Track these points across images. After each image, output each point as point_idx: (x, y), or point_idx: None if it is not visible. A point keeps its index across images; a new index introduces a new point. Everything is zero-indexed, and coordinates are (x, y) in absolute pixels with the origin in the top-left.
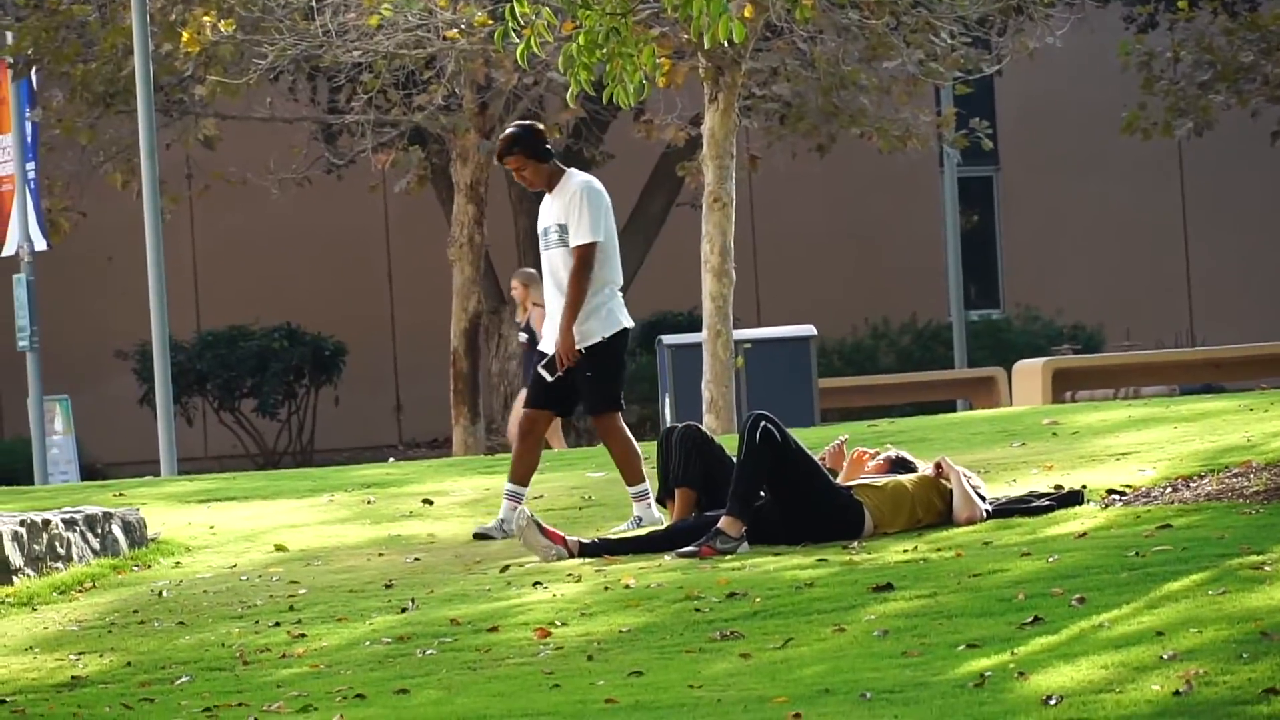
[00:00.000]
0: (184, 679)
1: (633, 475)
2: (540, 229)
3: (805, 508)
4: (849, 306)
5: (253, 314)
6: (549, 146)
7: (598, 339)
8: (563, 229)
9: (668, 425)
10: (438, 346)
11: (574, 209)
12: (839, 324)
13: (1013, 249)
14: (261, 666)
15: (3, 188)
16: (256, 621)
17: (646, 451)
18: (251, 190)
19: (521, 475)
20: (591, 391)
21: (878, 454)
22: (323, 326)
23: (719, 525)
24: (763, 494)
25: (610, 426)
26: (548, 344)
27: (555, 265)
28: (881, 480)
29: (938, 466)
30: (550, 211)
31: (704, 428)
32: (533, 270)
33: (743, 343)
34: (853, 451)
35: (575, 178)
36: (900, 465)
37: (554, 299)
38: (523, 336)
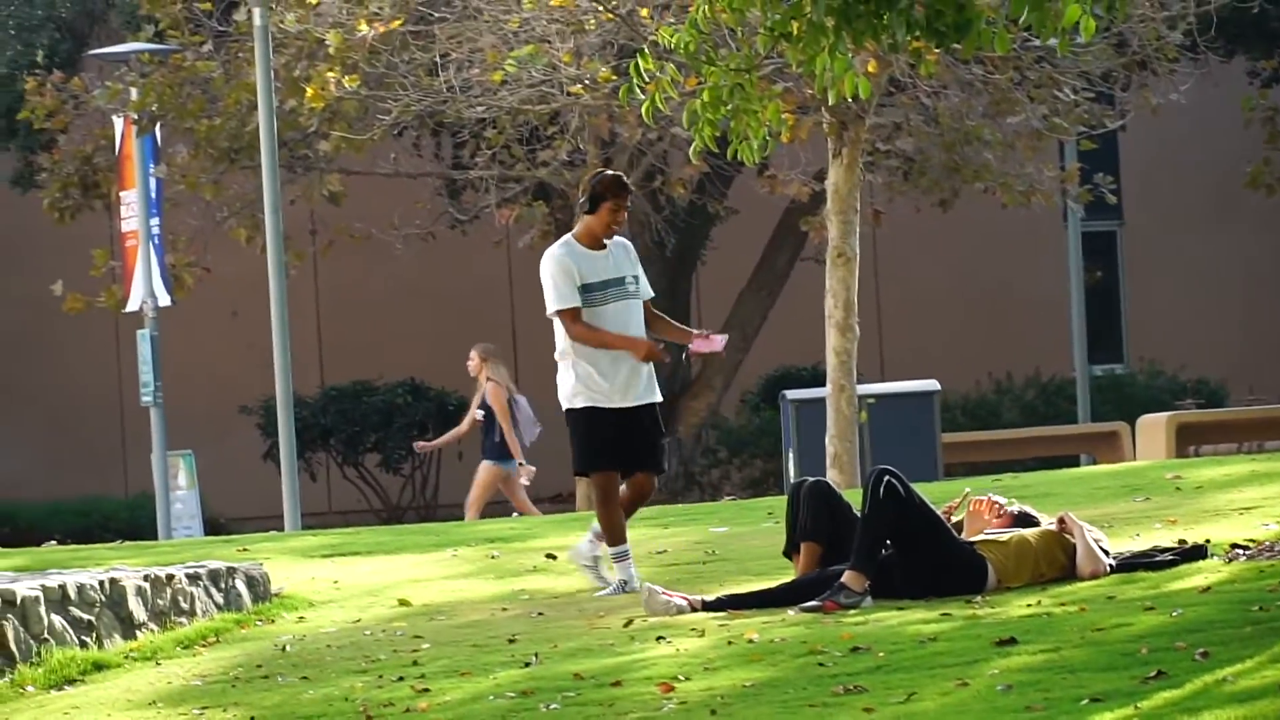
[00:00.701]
0: None
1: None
2: (609, 278)
3: (929, 562)
4: (972, 361)
5: (376, 369)
6: None
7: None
8: (637, 279)
9: (795, 480)
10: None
11: (637, 262)
12: (962, 378)
13: (1136, 303)
14: None
15: (127, 243)
16: (380, 676)
17: (771, 505)
18: (375, 245)
19: (614, 537)
20: (661, 447)
21: (997, 504)
22: (446, 382)
23: (842, 580)
24: (886, 548)
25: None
26: (628, 394)
27: (632, 314)
28: (1005, 535)
29: (1060, 521)
30: (614, 263)
31: (832, 483)
32: (492, 345)
33: (866, 397)
34: (970, 502)
35: (618, 237)
36: (1023, 520)
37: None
38: (479, 414)
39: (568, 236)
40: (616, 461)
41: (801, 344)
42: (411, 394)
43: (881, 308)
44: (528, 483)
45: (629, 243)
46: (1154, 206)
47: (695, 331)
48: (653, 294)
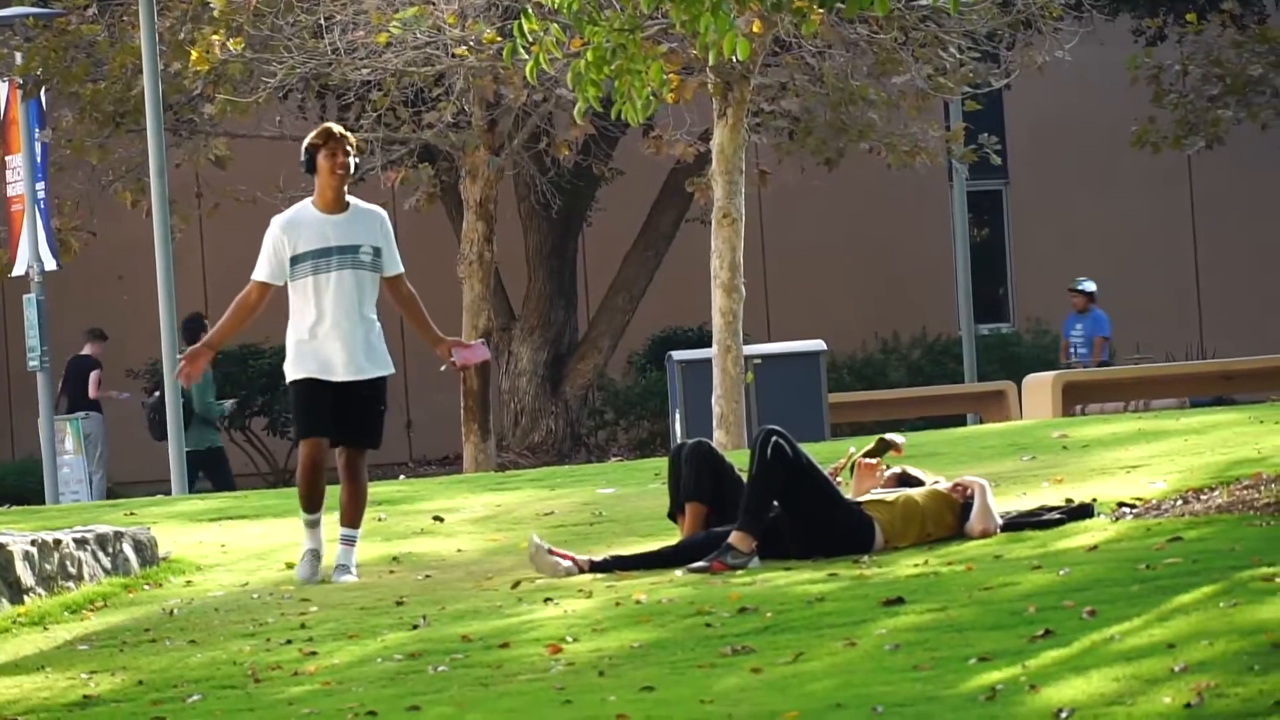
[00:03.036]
0: (195, 697)
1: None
2: (332, 245)
3: (816, 522)
4: (859, 321)
5: (263, 332)
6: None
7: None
8: (378, 251)
9: (678, 441)
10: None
11: (387, 236)
12: (849, 338)
13: (1022, 263)
14: (273, 684)
15: (13, 208)
16: (268, 639)
17: (658, 466)
18: (261, 208)
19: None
20: (378, 424)
21: (883, 466)
22: None
23: (730, 540)
24: (774, 509)
25: (364, 463)
26: (346, 368)
27: (363, 284)
28: (892, 495)
29: (957, 485)
30: (347, 230)
31: (713, 443)
32: None
33: (753, 358)
34: (855, 462)
35: (369, 204)
36: (906, 480)
37: (349, 319)
38: None
39: (307, 200)
40: (323, 431)
41: (688, 305)
42: None
43: (767, 268)
44: None
45: (384, 214)
46: (1039, 166)
47: (450, 339)
48: (400, 270)
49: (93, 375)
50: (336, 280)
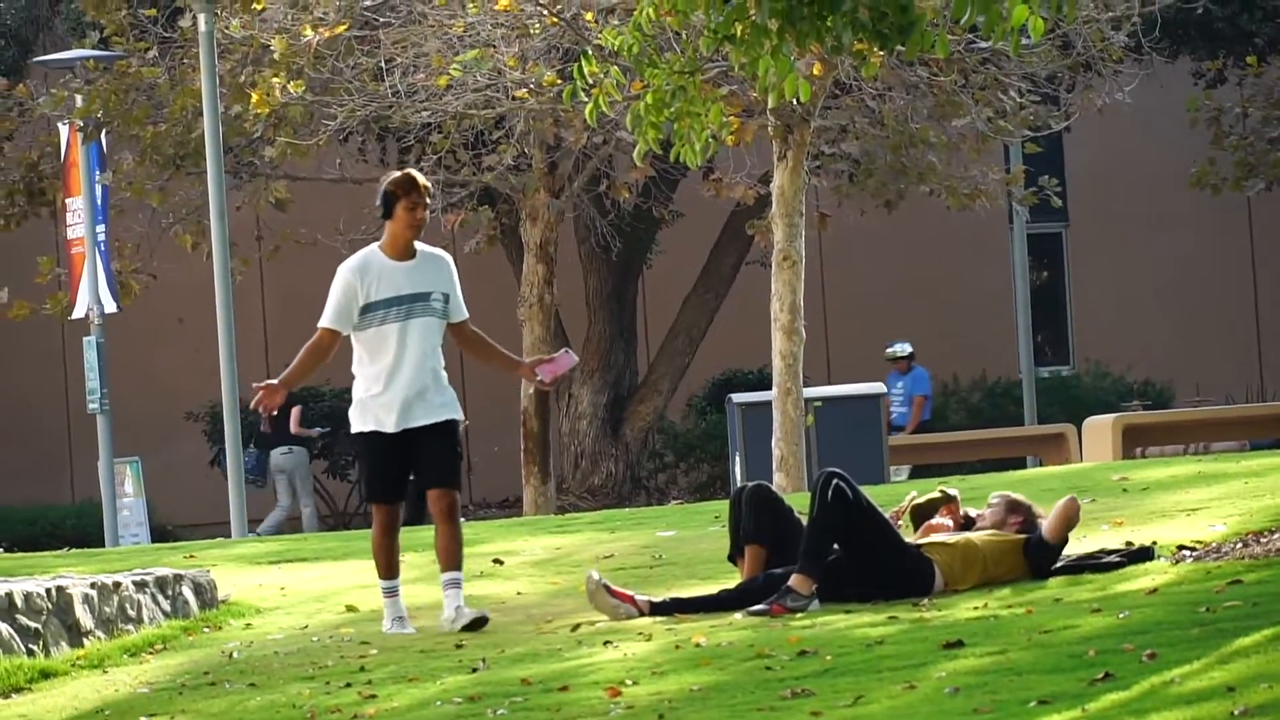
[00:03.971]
0: None
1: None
2: (405, 294)
3: (876, 565)
4: (919, 363)
5: (323, 375)
6: None
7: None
8: (446, 298)
9: (738, 484)
10: (508, 406)
11: (453, 281)
12: None
13: (1083, 305)
14: None
15: (73, 250)
16: (327, 682)
17: (718, 509)
18: (322, 251)
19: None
20: (456, 464)
21: (951, 521)
22: None
23: (789, 583)
24: (834, 551)
25: (456, 504)
26: (418, 414)
27: (434, 331)
28: (952, 538)
29: (1004, 497)
30: (419, 277)
31: (773, 486)
32: None
33: (813, 400)
34: (913, 504)
35: (434, 249)
36: (969, 524)
37: (420, 366)
38: None
39: (374, 245)
40: (396, 495)
41: (748, 347)
42: None
43: (827, 311)
44: None
45: (449, 259)
46: (1099, 208)
47: (531, 360)
48: (466, 315)
49: (294, 411)
50: (409, 329)
